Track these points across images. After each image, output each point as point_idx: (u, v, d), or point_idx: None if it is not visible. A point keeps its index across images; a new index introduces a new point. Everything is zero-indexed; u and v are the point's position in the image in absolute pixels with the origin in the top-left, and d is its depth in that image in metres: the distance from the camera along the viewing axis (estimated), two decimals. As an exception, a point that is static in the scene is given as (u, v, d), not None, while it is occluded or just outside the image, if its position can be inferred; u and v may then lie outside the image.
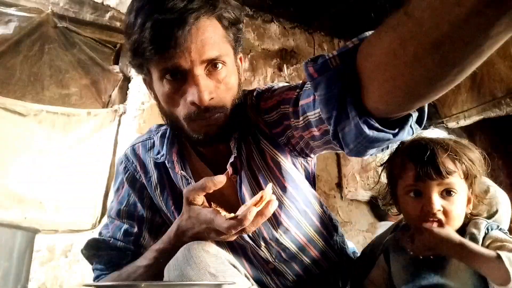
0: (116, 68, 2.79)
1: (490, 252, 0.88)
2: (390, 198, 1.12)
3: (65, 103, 2.55)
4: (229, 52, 0.88)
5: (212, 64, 0.83)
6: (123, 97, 2.74)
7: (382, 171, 1.13)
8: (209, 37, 0.80)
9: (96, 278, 1.01)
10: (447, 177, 0.96)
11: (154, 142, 1.06)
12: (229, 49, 0.88)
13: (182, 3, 0.76)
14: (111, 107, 2.67)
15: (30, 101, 2.40)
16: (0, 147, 2.25)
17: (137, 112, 2.66)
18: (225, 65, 0.85)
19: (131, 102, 2.70)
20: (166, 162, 0.98)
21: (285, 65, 3.41)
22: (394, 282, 1.07)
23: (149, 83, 0.95)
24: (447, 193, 0.98)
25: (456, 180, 0.98)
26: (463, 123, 3.74)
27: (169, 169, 1.00)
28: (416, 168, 0.99)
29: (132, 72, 2.80)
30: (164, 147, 0.98)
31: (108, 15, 2.79)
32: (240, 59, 0.98)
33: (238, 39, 0.93)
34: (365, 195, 3.31)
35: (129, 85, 2.77)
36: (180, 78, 0.82)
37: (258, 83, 3.27)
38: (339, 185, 3.33)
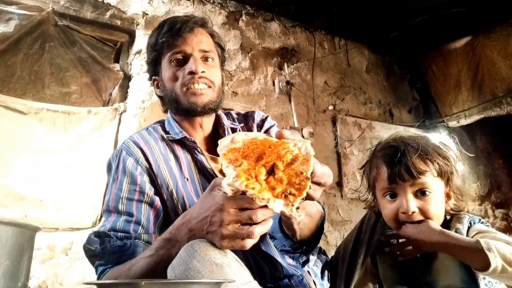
0: (117, 67, 2.79)
1: (470, 240, 0.90)
2: (372, 199, 1.13)
3: (66, 101, 2.55)
4: (216, 56, 1.24)
5: (205, 57, 1.19)
6: (124, 96, 2.74)
7: (363, 174, 1.14)
8: (204, 38, 1.21)
9: (102, 273, 1.00)
10: (418, 178, 0.97)
11: (156, 128, 1.26)
12: (216, 55, 1.24)
13: (187, 17, 1.20)
14: (112, 105, 2.67)
15: (30, 99, 2.41)
16: (1, 145, 2.25)
17: (138, 110, 2.66)
18: (213, 60, 1.22)
19: (132, 100, 2.70)
20: (184, 137, 1.19)
21: (285, 64, 3.41)
22: (383, 284, 1.07)
23: (157, 83, 1.27)
24: (421, 193, 0.99)
25: (429, 179, 0.98)
26: (464, 122, 3.74)
27: (177, 145, 1.21)
28: (388, 171, 1.00)
29: (133, 71, 2.80)
30: (175, 128, 1.22)
31: (108, 13, 2.79)
32: (223, 74, 1.29)
33: (222, 58, 1.29)
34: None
35: (130, 83, 2.77)
36: (182, 61, 1.17)
37: (258, 82, 3.27)
38: (340, 184, 3.33)
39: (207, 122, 1.26)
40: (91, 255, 1.04)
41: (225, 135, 1.22)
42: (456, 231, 0.98)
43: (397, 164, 0.99)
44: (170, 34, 1.15)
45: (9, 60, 2.42)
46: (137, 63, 2.81)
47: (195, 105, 1.16)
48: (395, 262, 1.04)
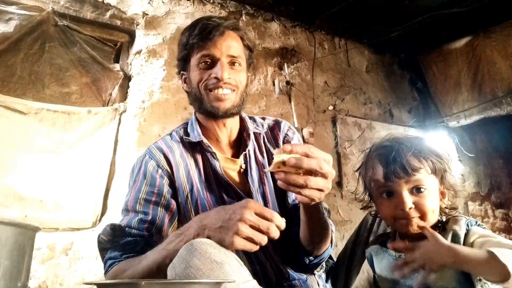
0: (117, 67, 2.79)
1: (482, 252, 0.87)
2: (368, 200, 1.15)
3: (66, 102, 2.55)
4: (244, 61, 1.24)
5: (232, 62, 1.19)
6: (124, 96, 2.74)
7: (359, 175, 1.16)
8: (234, 42, 1.20)
9: (110, 266, 1.04)
10: (413, 174, 0.99)
11: (179, 132, 1.29)
12: (244, 59, 1.24)
13: (219, 20, 1.19)
14: (112, 105, 2.67)
15: (30, 99, 2.41)
16: (1, 145, 2.25)
17: (138, 110, 2.66)
18: (240, 65, 1.21)
19: (132, 100, 2.70)
20: (200, 141, 1.22)
21: (285, 64, 3.41)
22: (380, 285, 1.08)
23: (185, 78, 1.28)
24: (416, 190, 1.00)
25: (424, 176, 1.00)
26: (464, 122, 3.74)
27: (195, 147, 1.24)
28: (384, 169, 1.02)
29: (133, 71, 2.80)
30: (195, 131, 1.25)
31: (108, 13, 2.79)
32: (249, 75, 1.30)
33: (250, 59, 1.29)
34: (365, 194, 3.31)
35: (130, 83, 2.77)
36: (210, 65, 1.18)
37: (258, 82, 3.27)
38: (340, 184, 3.33)
39: (232, 124, 1.27)
40: (103, 247, 1.08)
41: (249, 139, 1.26)
42: (453, 233, 0.99)
43: (392, 163, 1.01)
44: (201, 36, 1.16)
45: (9, 60, 2.42)
46: (137, 63, 2.81)
47: (217, 109, 1.17)
48: (391, 263, 1.05)
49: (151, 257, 0.95)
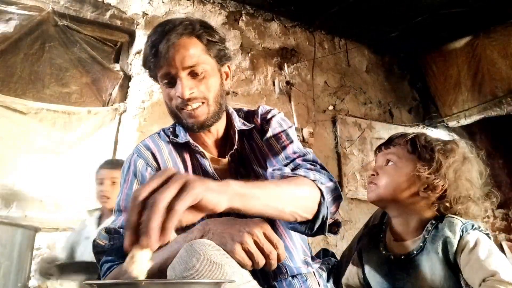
0: (117, 67, 2.79)
1: None
2: None
3: (66, 102, 2.55)
4: (209, 61, 1.12)
5: (192, 70, 1.08)
6: (124, 96, 2.74)
7: None
8: (188, 51, 1.07)
9: (108, 270, 1.01)
10: (388, 148, 1.16)
11: (167, 132, 1.27)
12: (209, 59, 1.12)
13: (168, 28, 1.06)
14: (112, 105, 2.67)
15: (30, 99, 2.41)
16: (1, 145, 2.25)
17: (138, 110, 2.66)
18: (204, 71, 1.10)
19: (132, 100, 2.70)
20: (187, 141, 1.18)
21: (285, 64, 3.41)
22: (369, 281, 1.07)
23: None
24: (386, 162, 1.15)
25: (398, 153, 1.13)
26: (464, 122, 3.74)
27: (183, 148, 1.21)
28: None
29: (133, 71, 2.80)
30: (182, 132, 1.21)
31: (108, 13, 2.79)
32: (229, 67, 1.23)
33: (221, 53, 1.16)
34: (365, 194, 3.31)
35: (130, 83, 2.77)
36: (172, 82, 1.10)
37: (258, 82, 3.27)
38: (339, 184, 3.33)
39: (217, 126, 1.22)
40: (99, 251, 1.05)
41: (235, 138, 1.20)
42: (446, 240, 0.95)
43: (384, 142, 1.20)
44: (152, 57, 1.08)
45: (9, 60, 2.42)
46: (137, 63, 2.81)
47: (193, 125, 1.13)
48: (380, 261, 1.04)
49: (155, 259, 0.94)
